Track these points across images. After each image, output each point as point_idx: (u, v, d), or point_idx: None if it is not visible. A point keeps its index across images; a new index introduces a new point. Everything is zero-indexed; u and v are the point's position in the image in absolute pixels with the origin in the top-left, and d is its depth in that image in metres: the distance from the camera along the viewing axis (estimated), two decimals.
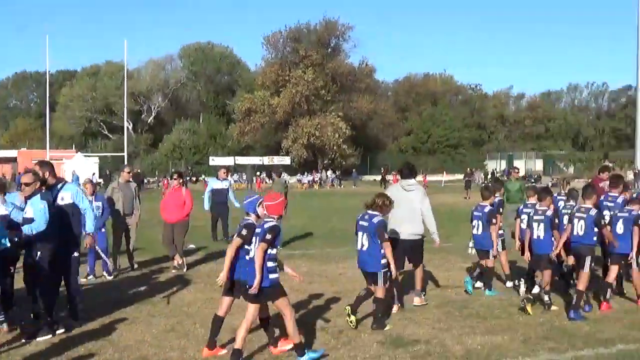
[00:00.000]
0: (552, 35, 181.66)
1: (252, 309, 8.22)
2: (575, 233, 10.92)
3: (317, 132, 79.13)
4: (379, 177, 69.33)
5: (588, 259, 10.79)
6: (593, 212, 10.92)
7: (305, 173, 76.60)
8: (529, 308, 10.70)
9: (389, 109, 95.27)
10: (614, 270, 11.36)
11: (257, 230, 8.18)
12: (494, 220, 12.40)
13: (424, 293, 11.80)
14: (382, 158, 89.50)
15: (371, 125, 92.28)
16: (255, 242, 8.11)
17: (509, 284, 12.93)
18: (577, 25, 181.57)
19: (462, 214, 27.64)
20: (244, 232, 8.22)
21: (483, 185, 14.64)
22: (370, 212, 9.97)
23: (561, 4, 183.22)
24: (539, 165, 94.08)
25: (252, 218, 8.43)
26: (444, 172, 77.75)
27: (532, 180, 67.30)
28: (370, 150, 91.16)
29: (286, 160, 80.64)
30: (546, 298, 11.03)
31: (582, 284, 10.68)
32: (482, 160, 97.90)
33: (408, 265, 11.58)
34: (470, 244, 13.02)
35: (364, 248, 9.91)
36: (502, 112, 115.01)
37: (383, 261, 9.74)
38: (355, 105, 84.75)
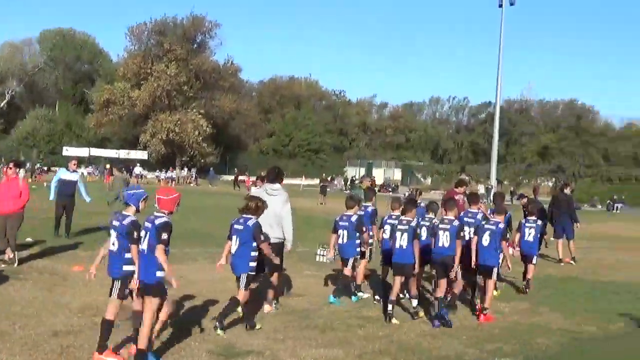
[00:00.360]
0: (417, 48, 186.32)
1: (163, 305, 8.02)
2: (440, 244, 11.19)
3: (177, 128, 78.23)
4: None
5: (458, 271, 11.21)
6: (456, 223, 11.31)
7: (164, 169, 75.06)
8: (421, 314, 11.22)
9: (252, 109, 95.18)
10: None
11: (147, 224, 7.94)
12: (364, 229, 12.46)
13: (275, 302, 11.50)
14: (242, 158, 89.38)
15: (233, 124, 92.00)
16: (144, 237, 7.88)
17: (360, 294, 12.86)
18: (442, 40, 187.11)
19: (317, 219, 27.69)
20: (135, 234, 7.89)
21: (348, 194, 14.78)
22: (245, 215, 9.86)
23: (428, 19, 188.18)
24: (397, 174, 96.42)
25: (131, 211, 8.08)
26: (303, 176, 78.04)
27: (390, 190, 68.86)
28: (231, 149, 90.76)
29: (143, 155, 79.08)
30: (414, 303, 11.34)
31: (456, 289, 11.39)
32: (342, 166, 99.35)
33: None
34: (319, 251, 12.87)
35: (236, 251, 9.75)
36: (365, 120, 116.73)
37: (252, 264, 9.64)
38: (218, 104, 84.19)
